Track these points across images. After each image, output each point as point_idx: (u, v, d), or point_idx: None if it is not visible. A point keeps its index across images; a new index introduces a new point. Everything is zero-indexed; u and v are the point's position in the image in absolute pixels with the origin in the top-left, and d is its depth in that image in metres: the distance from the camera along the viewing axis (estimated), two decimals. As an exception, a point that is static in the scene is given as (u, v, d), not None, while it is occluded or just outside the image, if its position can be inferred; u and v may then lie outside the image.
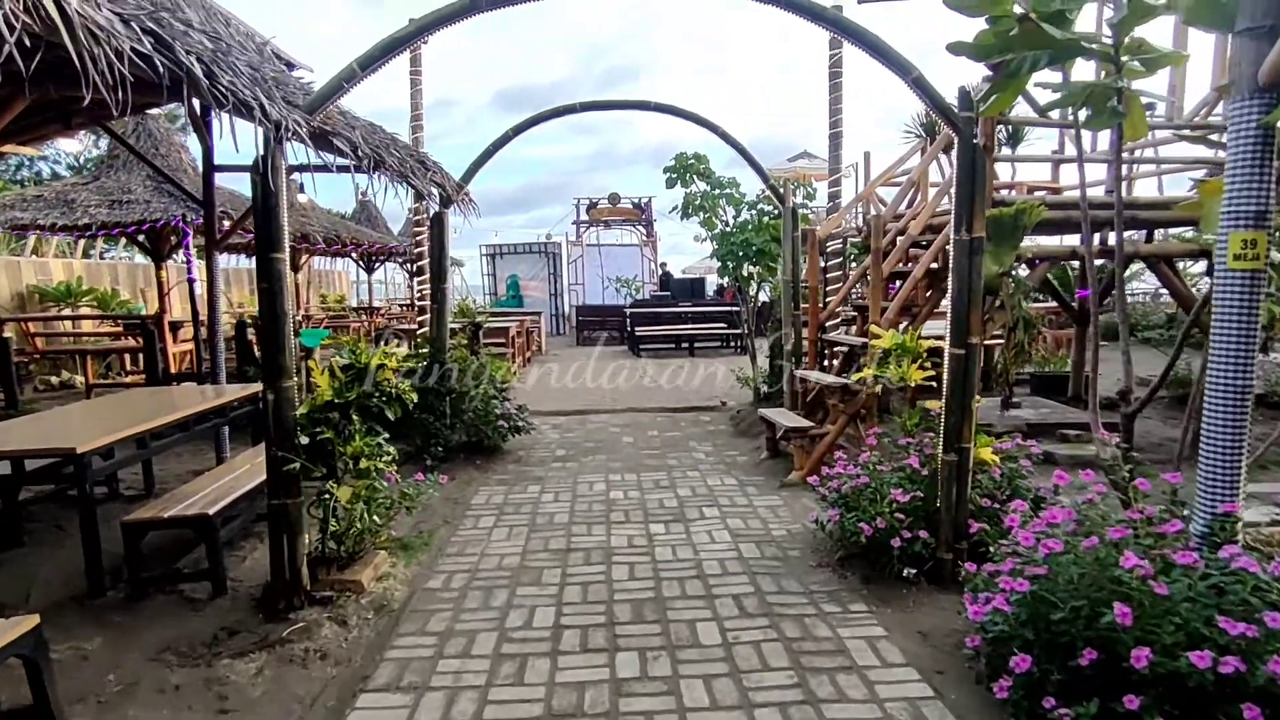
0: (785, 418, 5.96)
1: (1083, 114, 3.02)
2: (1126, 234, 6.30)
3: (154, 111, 9.06)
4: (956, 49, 2.82)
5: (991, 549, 2.94)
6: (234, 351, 7.96)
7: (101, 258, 17.54)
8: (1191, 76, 7.34)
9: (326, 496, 3.58)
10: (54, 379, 10.27)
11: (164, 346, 8.51)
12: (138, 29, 2.45)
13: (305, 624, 3.22)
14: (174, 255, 10.21)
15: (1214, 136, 5.26)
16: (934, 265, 6.33)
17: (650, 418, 8.29)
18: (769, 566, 3.91)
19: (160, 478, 5.52)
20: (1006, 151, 7.68)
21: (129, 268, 15.12)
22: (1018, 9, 2.64)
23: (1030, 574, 2.47)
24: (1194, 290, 7.57)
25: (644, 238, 22.77)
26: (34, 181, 22.47)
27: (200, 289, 7.10)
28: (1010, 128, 7.68)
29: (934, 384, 4.80)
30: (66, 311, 12.07)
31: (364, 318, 16.50)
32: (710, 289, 20.09)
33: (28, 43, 1.97)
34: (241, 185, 9.95)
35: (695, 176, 8.32)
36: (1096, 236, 6.90)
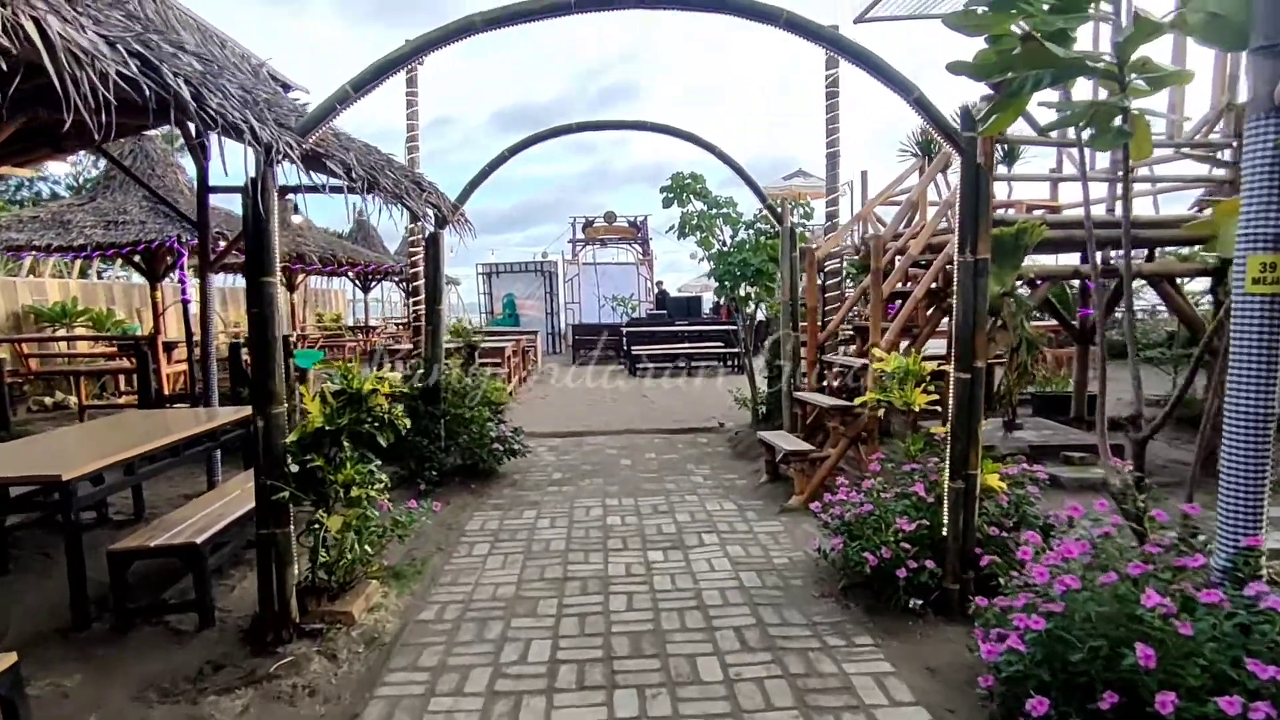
0: (785, 440, 5.86)
1: (1086, 133, 2.96)
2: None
3: (152, 133, 9.07)
4: (957, 69, 2.77)
5: (1001, 580, 2.85)
6: (228, 372, 7.87)
7: (99, 277, 17.52)
8: (1190, 93, 7.33)
9: (316, 526, 3.49)
10: (48, 400, 10.17)
11: (157, 367, 8.43)
12: (124, 51, 2.40)
13: (294, 658, 3.11)
14: (169, 275, 10.16)
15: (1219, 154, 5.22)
16: (934, 285, 6.28)
17: (647, 439, 8.19)
18: (770, 596, 3.81)
19: (151, 502, 5.40)
20: (1003, 170, 7.67)
21: (125, 288, 15.06)
22: (1019, 28, 2.60)
23: (1045, 610, 2.37)
24: (1196, 308, 7.51)
25: (640, 256, 22.80)
26: (33, 202, 22.54)
27: (195, 309, 7.02)
28: (1005, 146, 7.66)
29: (937, 408, 4.73)
30: (61, 332, 11.99)
31: (360, 337, 16.45)
32: (707, 307, 20.09)
33: (4, 66, 1.91)
34: (237, 206, 9.90)
35: (692, 196, 8.30)
36: (1098, 255, 6.85)
